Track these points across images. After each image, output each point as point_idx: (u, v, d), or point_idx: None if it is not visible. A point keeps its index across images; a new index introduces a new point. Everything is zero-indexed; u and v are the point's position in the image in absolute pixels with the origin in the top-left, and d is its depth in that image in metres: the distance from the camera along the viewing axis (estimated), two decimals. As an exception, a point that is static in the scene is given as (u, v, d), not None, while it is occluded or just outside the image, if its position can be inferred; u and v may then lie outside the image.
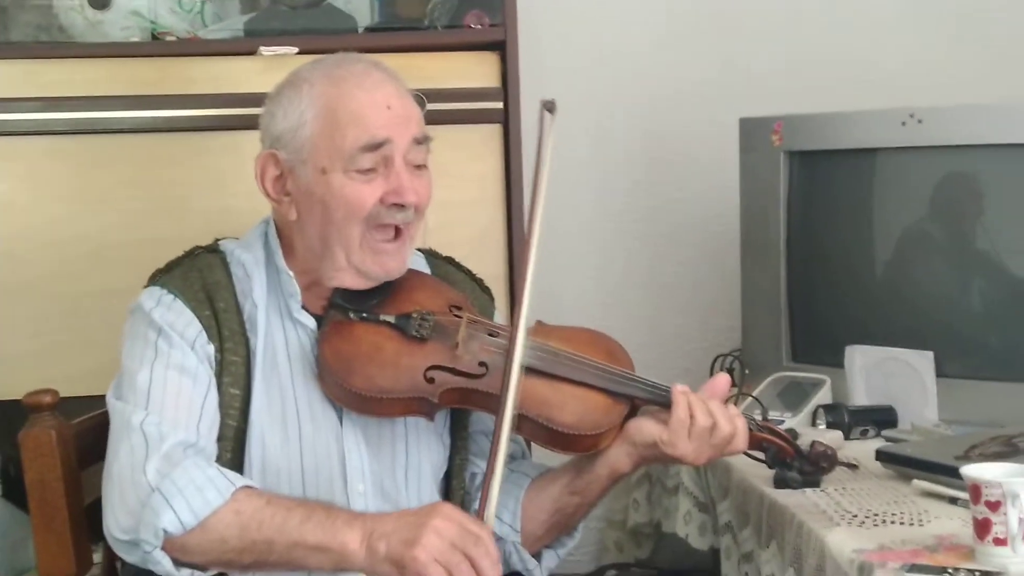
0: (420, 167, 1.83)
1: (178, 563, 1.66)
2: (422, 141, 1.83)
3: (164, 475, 1.65)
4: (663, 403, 1.80)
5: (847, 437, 2.22)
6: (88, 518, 1.83)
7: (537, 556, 1.89)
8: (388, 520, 1.62)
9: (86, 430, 1.87)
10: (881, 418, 2.28)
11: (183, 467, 1.66)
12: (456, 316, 1.85)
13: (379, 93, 1.80)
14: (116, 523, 1.66)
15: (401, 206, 1.79)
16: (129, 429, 1.70)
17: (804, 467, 1.91)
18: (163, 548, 1.64)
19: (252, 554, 1.64)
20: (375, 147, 1.78)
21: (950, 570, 1.53)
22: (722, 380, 1.85)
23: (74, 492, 1.82)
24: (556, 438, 1.78)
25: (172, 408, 1.73)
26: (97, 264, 2.31)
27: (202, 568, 1.68)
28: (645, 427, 1.80)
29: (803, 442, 1.94)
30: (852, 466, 1.98)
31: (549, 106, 1.81)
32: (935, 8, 2.90)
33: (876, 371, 2.31)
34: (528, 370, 1.76)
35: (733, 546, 2.11)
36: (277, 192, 1.83)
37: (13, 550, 2.50)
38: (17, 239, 2.31)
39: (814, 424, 2.30)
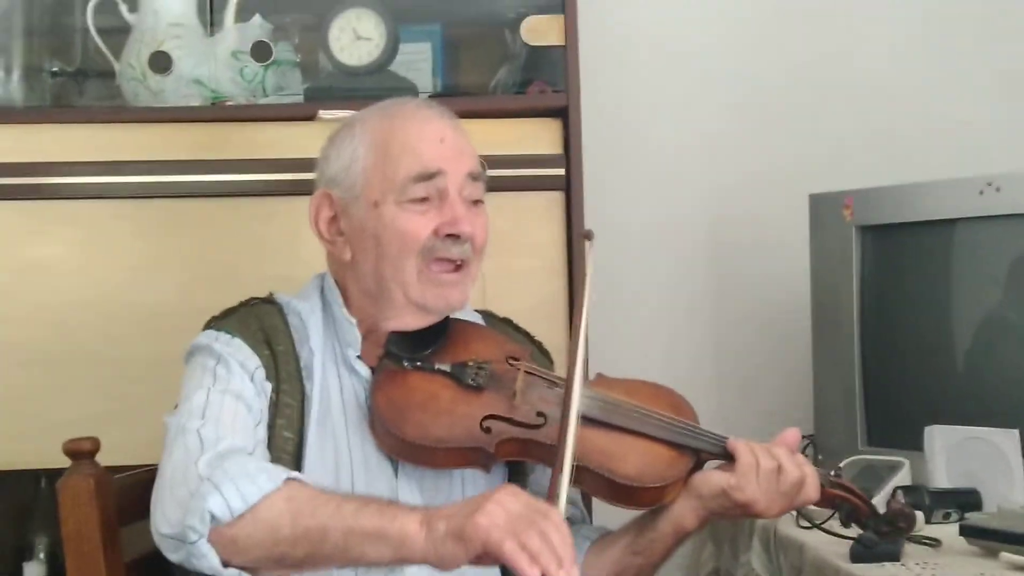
0: (476, 203, 1.80)
1: (226, 564, 1.55)
2: (478, 177, 1.80)
3: (215, 466, 1.56)
4: (729, 456, 1.73)
5: (928, 521, 2.09)
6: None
7: (597, 624, 1.79)
8: (448, 506, 1.52)
9: (129, 486, 1.79)
10: (964, 501, 2.14)
11: (235, 459, 1.58)
12: (514, 366, 1.79)
13: (432, 126, 1.79)
14: (163, 517, 1.58)
15: (456, 237, 1.76)
16: (184, 434, 1.64)
17: (880, 527, 1.80)
18: (210, 540, 1.53)
19: (305, 544, 1.52)
20: (428, 177, 1.75)
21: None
22: (791, 433, 1.78)
23: (113, 546, 1.73)
24: (618, 491, 1.71)
25: (228, 424, 1.66)
26: (150, 332, 2.27)
27: (251, 570, 1.57)
28: (712, 476, 1.73)
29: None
30: (934, 542, 1.88)
31: (587, 235, 1.79)
32: (1009, 69, 2.84)
33: (958, 452, 2.20)
34: (588, 420, 1.70)
35: (807, 630, 1.99)
36: (331, 233, 1.81)
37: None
38: (70, 304, 2.28)
39: (893, 499, 2.17)
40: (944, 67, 2.86)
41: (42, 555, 2.46)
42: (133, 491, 1.76)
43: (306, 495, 1.55)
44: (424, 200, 1.76)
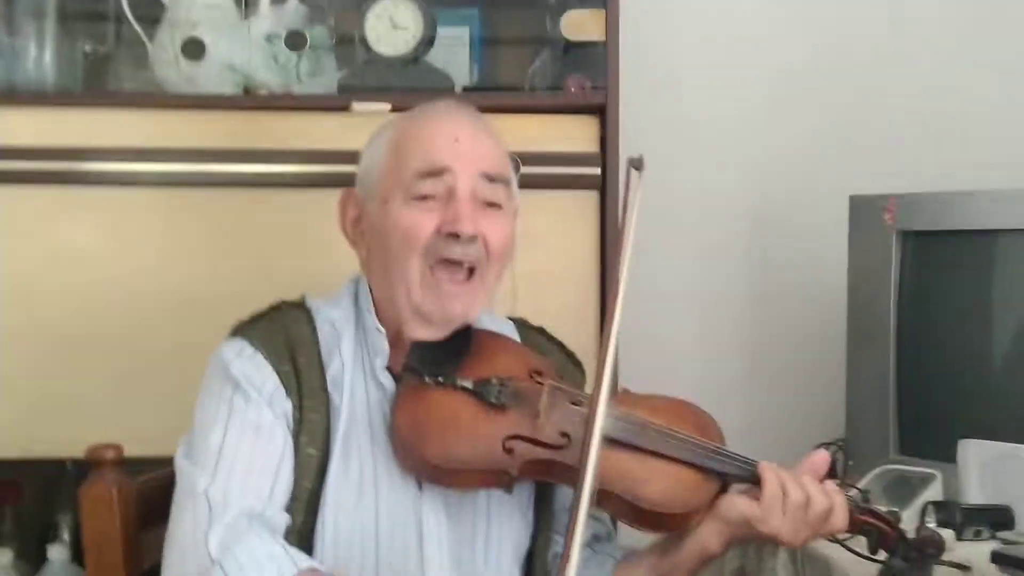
0: (493, 206, 1.74)
1: None
2: (495, 179, 1.74)
3: (226, 548, 1.56)
4: (756, 480, 1.69)
5: (959, 538, 2.07)
6: (147, 582, 1.76)
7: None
8: None
9: (151, 489, 1.78)
10: (996, 519, 2.11)
11: (246, 541, 1.56)
12: (538, 383, 1.74)
13: (450, 125, 1.74)
14: None
15: (458, 236, 1.70)
16: (194, 494, 1.62)
17: (909, 553, 1.76)
18: None
19: None
20: (434, 173, 1.71)
21: None
22: (820, 456, 1.73)
23: (133, 554, 1.73)
24: (642, 516, 1.67)
25: (242, 473, 1.64)
26: (177, 319, 2.26)
27: None
28: (737, 503, 1.68)
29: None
30: (964, 568, 1.85)
31: (636, 164, 1.69)
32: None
33: (992, 468, 2.16)
34: (612, 442, 1.65)
35: (831, 648, 1.97)
36: (355, 233, 1.80)
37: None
38: (97, 290, 2.27)
39: (923, 523, 2.15)
40: (995, 73, 2.81)
41: (66, 536, 2.46)
42: (155, 496, 1.75)
43: None
44: (430, 198, 1.71)
